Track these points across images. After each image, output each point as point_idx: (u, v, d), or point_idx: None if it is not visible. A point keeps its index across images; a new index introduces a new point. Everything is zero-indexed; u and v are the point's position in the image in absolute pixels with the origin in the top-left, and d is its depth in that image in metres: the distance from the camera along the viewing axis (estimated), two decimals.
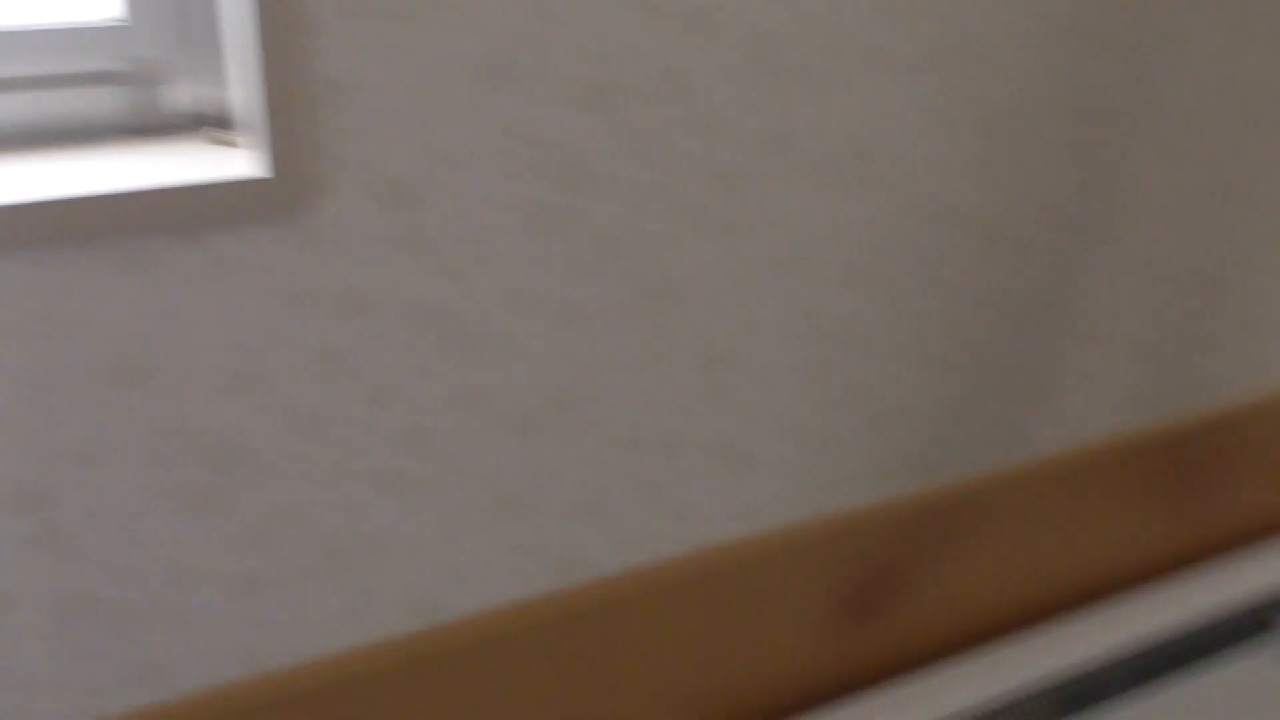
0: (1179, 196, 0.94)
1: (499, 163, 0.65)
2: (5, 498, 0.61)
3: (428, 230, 0.66)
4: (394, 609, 0.75)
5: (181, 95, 0.62)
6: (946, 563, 1.02)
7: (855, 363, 0.84)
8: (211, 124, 0.63)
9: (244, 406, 0.64)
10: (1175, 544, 1.21)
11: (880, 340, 0.84)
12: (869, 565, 0.97)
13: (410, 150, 0.63)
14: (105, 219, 0.55)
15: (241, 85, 0.60)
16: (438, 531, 0.73)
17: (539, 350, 0.71)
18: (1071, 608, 1.18)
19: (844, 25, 0.72)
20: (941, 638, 1.06)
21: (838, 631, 1.00)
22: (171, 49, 0.60)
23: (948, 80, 0.77)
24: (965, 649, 1.11)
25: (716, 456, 0.82)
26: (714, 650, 0.93)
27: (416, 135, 0.63)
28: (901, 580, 1.00)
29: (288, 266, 0.61)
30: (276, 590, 0.70)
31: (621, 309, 0.72)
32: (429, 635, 0.74)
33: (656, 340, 0.75)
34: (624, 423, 0.76)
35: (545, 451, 0.74)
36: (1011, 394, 0.94)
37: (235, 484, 0.65)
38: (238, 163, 0.59)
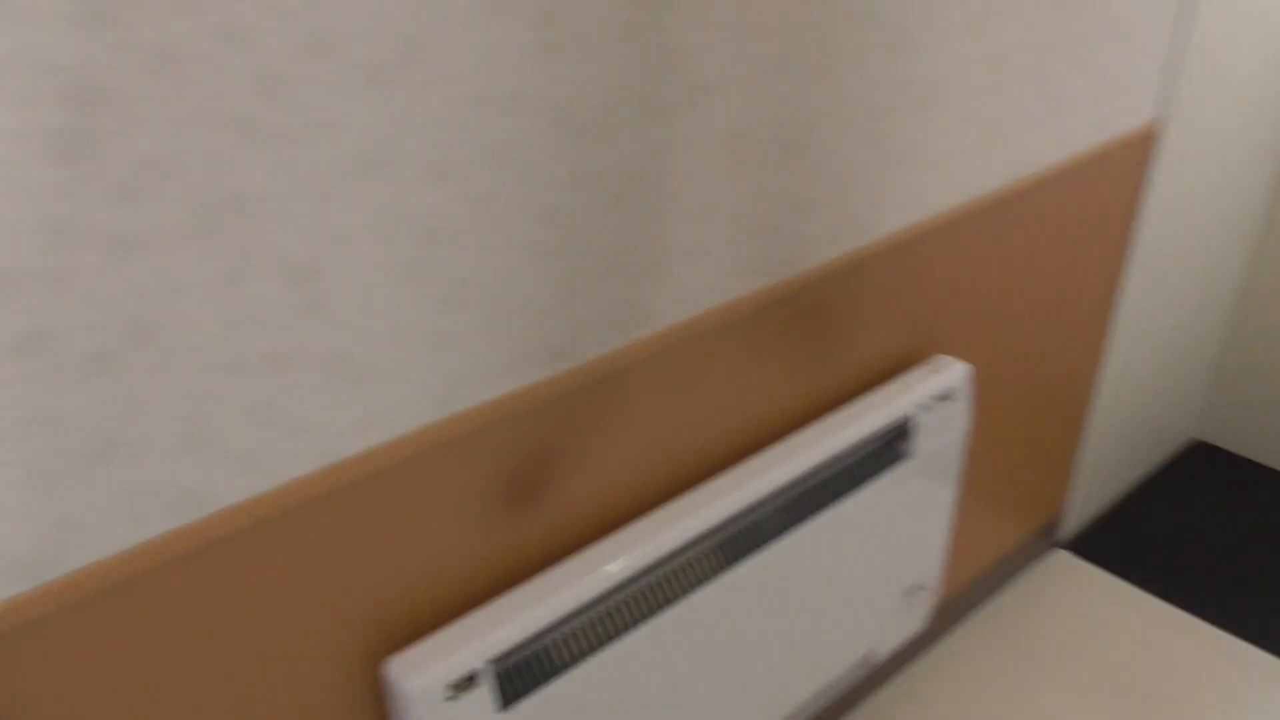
0: (749, 70, 1.01)
1: None
2: None
3: None
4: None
5: None
6: (595, 441, 1.08)
7: (456, 259, 0.87)
8: None
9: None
10: (817, 390, 1.33)
11: (477, 235, 0.87)
12: (516, 455, 1.01)
13: None
14: None
15: None
16: None
17: (97, 286, 0.68)
18: (729, 464, 1.27)
19: None
20: (603, 511, 1.13)
21: (501, 523, 1.04)
22: None
23: None
24: (630, 518, 1.18)
25: (330, 371, 0.82)
26: (376, 562, 0.94)
27: None
28: (552, 464, 1.05)
29: None
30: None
31: (182, 232, 0.71)
32: (56, 588, 0.70)
33: (232, 259, 0.74)
34: (216, 348, 0.75)
35: (134, 388, 0.72)
36: (624, 274, 1.00)
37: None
38: None
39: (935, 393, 1.37)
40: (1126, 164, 1.66)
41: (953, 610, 1.87)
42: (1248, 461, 2.34)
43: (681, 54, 0.94)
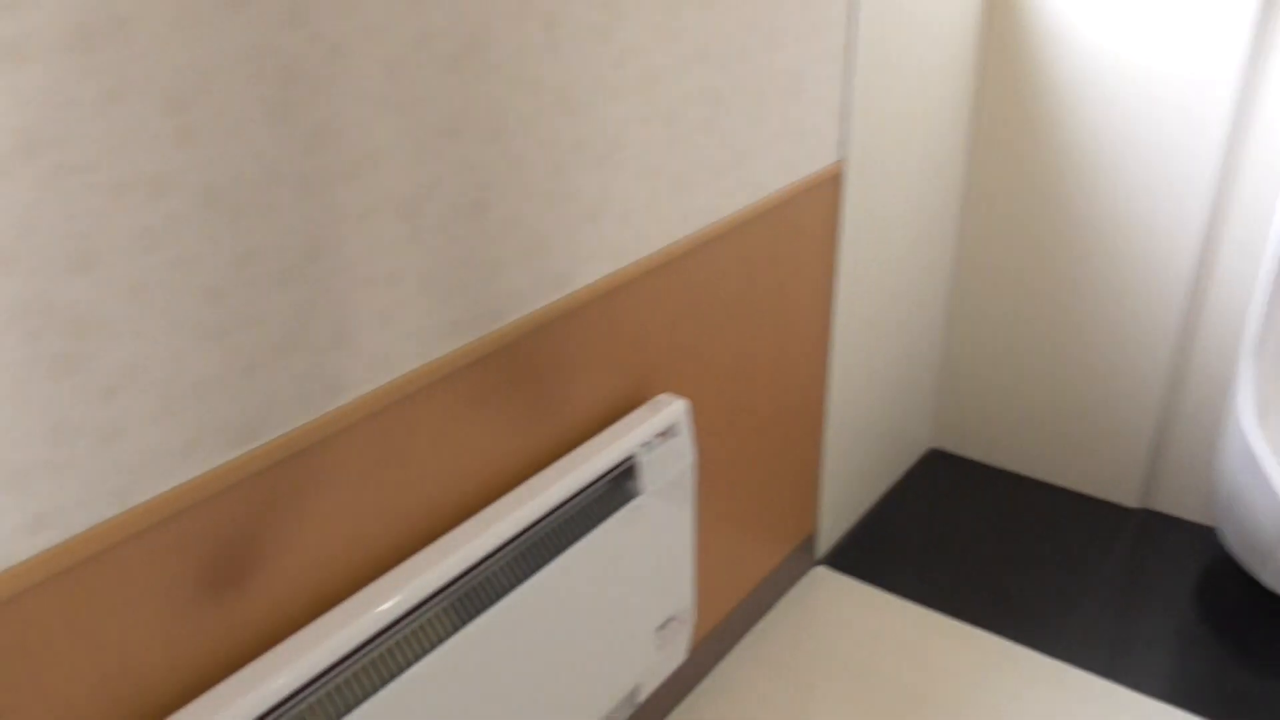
0: (416, 138, 1.05)
1: None
2: None
3: None
4: None
5: None
6: (300, 517, 1.07)
7: (114, 348, 0.85)
8: None
9: None
10: (541, 441, 1.37)
11: (133, 322, 0.86)
12: (211, 541, 0.99)
13: None
14: None
15: None
16: None
17: None
18: (457, 524, 1.28)
19: None
20: (323, 586, 1.12)
21: (207, 611, 1.01)
22: None
23: (116, 57, 0.80)
24: (354, 589, 1.17)
25: None
26: (72, 667, 0.90)
27: None
28: (254, 546, 1.03)
29: None
30: None
31: None
32: None
33: None
34: None
35: None
36: (307, 347, 1.00)
37: None
38: None
39: (657, 430, 1.43)
40: (821, 200, 1.80)
41: (722, 637, 1.94)
42: (980, 465, 2.55)
43: (338, 128, 0.97)
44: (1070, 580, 2.15)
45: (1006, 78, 2.18)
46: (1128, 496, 2.36)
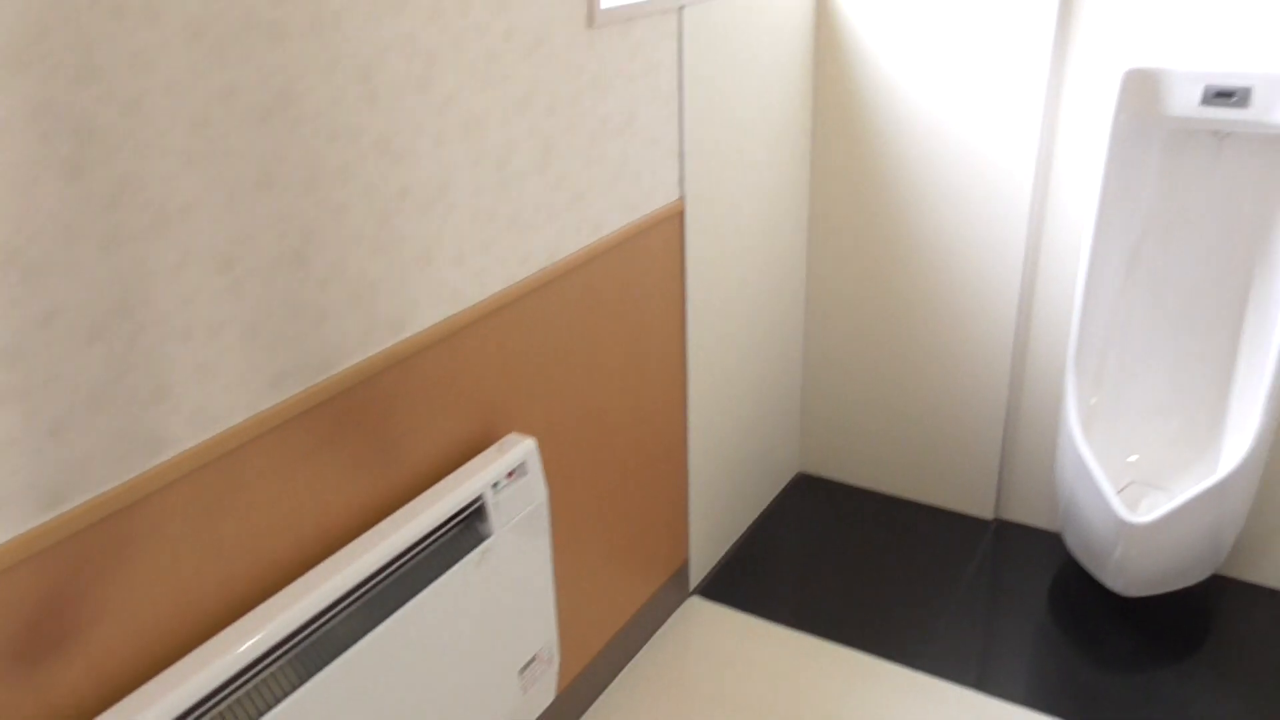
0: (228, 191, 1.05)
1: None
2: None
3: None
4: None
5: None
6: (123, 579, 1.05)
7: None
8: None
9: None
10: (386, 487, 1.36)
11: None
12: (23, 608, 0.97)
13: None
14: None
15: None
16: None
17: None
18: (291, 577, 1.27)
19: None
20: (154, 649, 1.09)
21: (25, 681, 0.98)
22: None
23: None
24: (189, 649, 1.15)
25: None
26: None
27: None
28: (73, 611, 1.01)
29: None
30: None
31: None
32: None
33: None
34: None
35: None
36: (120, 405, 0.99)
37: None
38: None
39: (506, 470, 1.45)
40: (664, 236, 1.85)
41: (597, 674, 1.94)
42: (846, 486, 2.62)
43: (141, 184, 0.96)
44: (934, 594, 2.22)
45: (839, 116, 2.28)
46: (983, 509, 2.45)
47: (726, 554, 2.37)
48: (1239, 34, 1.85)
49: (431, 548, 1.35)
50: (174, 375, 1.03)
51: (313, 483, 1.23)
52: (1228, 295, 2.01)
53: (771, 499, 2.56)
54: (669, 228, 1.86)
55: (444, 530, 1.37)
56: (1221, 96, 1.73)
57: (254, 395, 1.13)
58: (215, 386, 1.08)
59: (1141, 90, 1.82)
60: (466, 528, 1.40)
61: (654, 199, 1.79)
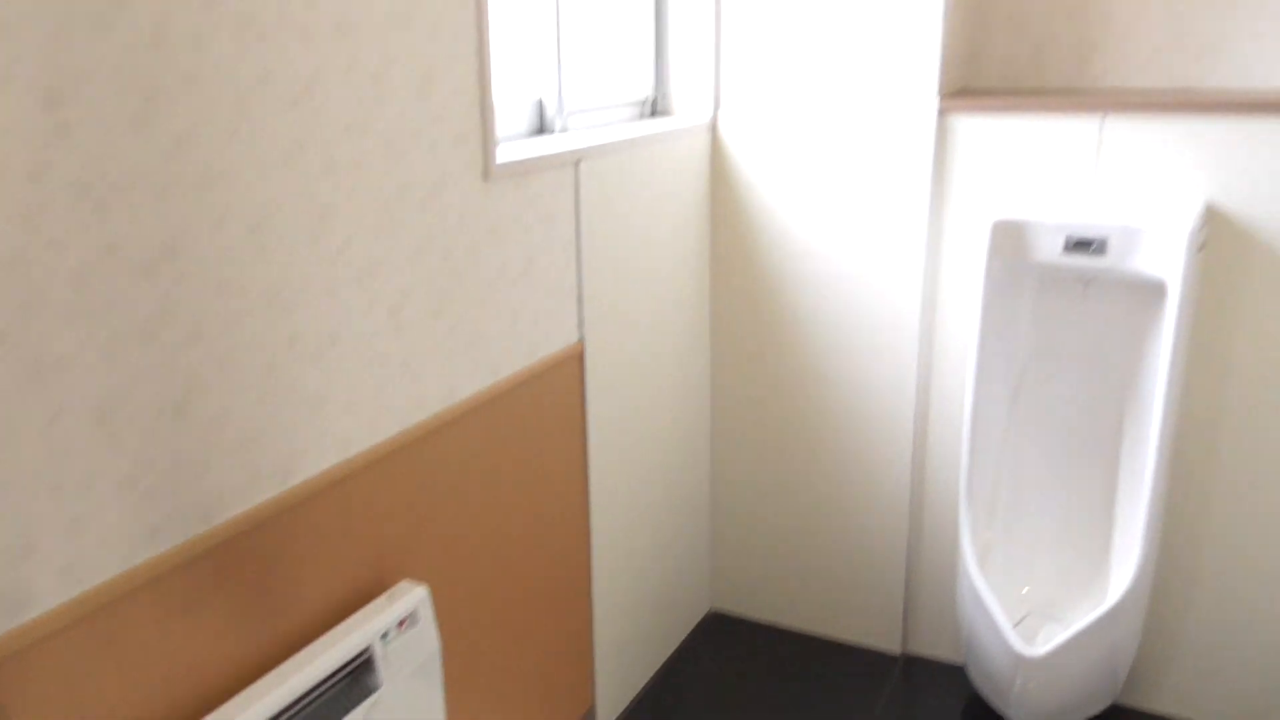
0: (107, 342, 1.05)
1: None
2: None
3: None
4: None
5: None
6: None
7: None
8: None
9: None
10: (270, 640, 1.33)
11: None
12: None
13: None
14: None
15: None
16: None
17: None
18: None
19: None
20: None
21: None
22: None
23: None
24: None
25: None
26: None
27: None
28: None
29: None
30: None
31: None
32: None
33: None
34: None
35: None
36: None
37: None
38: None
39: (396, 619, 1.42)
40: (564, 377, 1.88)
41: None
42: (758, 624, 2.61)
43: (15, 338, 0.96)
44: None
45: (737, 262, 2.37)
46: (891, 643, 2.46)
47: (637, 696, 2.33)
48: (1095, 190, 1.99)
49: (316, 703, 1.31)
50: (41, 530, 1.01)
51: (191, 637, 1.20)
52: (1105, 428, 2.10)
53: (683, 639, 2.54)
54: (569, 369, 1.89)
55: (330, 684, 1.33)
56: (1081, 245, 1.85)
57: (129, 548, 1.10)
58: (86, 541, 1.06)
59: (1010, 239, 1.93)
60: (354, 681, 1.36)
61: (553, 341, 1.83)
